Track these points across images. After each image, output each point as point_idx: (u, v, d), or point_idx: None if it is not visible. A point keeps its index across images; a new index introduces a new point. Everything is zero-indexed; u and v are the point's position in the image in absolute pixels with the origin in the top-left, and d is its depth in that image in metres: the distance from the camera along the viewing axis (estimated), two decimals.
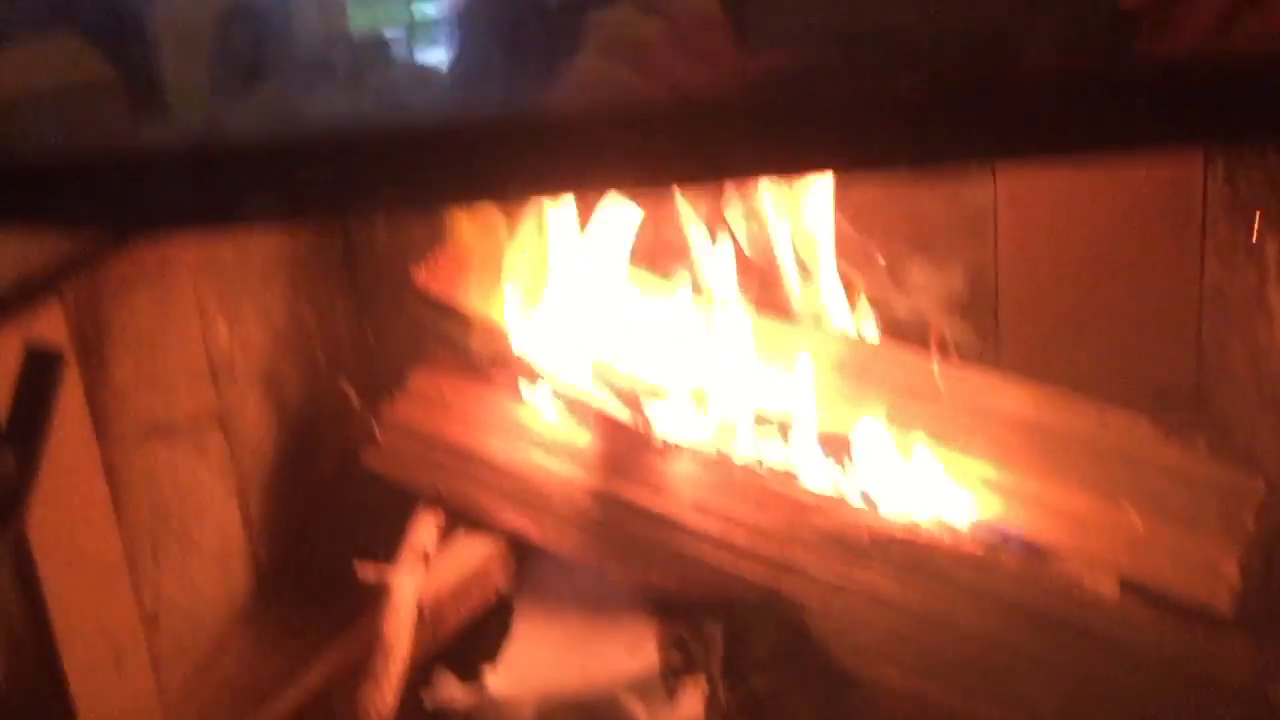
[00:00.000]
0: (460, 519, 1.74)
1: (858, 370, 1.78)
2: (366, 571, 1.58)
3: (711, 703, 1.53)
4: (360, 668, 1.51)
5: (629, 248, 1.87)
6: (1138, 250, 2.20)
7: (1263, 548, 1.59)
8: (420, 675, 1.60)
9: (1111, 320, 2.21)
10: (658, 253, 1.93)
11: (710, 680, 1.55)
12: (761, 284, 1.93)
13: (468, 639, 1.68)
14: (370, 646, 1.51)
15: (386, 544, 1.69)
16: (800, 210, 1.95)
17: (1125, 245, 2.20)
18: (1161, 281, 2.20)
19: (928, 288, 2.09)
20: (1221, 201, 2.12)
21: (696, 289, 1.87)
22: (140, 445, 1.60)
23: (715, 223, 1.93)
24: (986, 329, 2.18)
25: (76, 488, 1.46)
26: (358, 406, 1.80)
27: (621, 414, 1.70)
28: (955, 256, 2.17)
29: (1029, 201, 2.20)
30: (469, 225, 1.96)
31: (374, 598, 1.62)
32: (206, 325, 1.78)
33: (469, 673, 1.61)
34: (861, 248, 2.06)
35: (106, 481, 1.51)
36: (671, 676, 1.56)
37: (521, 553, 1.74)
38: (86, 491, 1.47)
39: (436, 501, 1.75)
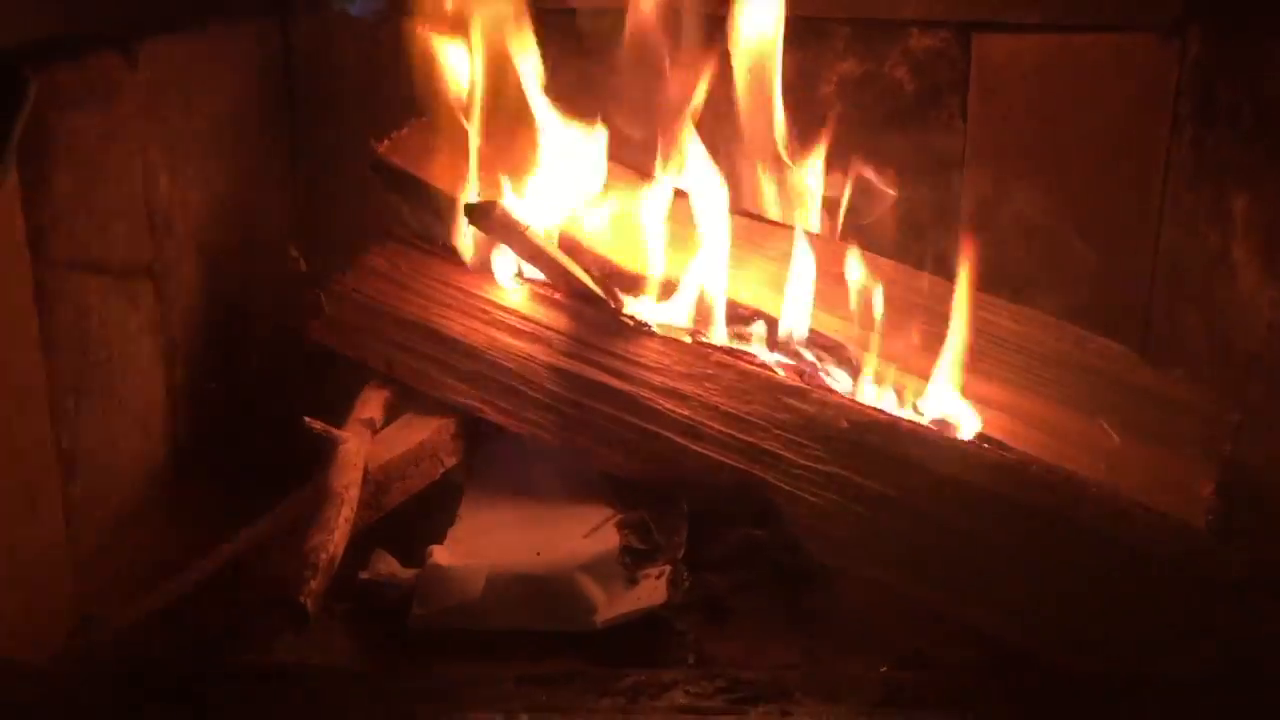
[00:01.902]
0: (411, 395, 1.64)
1: (838, 274, 1.72)
2: (314, 425, 1.46)
3: (673, 590, 1.44)
4: (302, 523, 1.39)
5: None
6: (1095, 213, 2.19)
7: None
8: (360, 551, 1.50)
9: (1062, 282, 2.19)
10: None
11: (673, 567, 1.46)
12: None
13: (411, 521, 1.57)
14: (314, 502, 1.40)
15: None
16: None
17: (1083, 208, 2.19)
18: (1116, 247, 2.19)
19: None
20: (1185, 168, 2.12)
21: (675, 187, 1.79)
22: (73, 276, 1.47)
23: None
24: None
25: (5, 298, 1.33)
26: (305, 271, 1.67)
27: (592, 290, 1.62)
28: (921, 198, 2.15)
29: (994, 152, 2.18)
30: (435, 108, 1.86)
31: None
32: (148, 172, 1.66)
33: (411, 557, 1.51)
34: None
35: (35, 301, 1.38)
36: (631, 561, 1.47)
37: (476, 433, 1.64)
38: (14, 304, 1.35)
39: (386, 375, 1.64)
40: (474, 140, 1.76)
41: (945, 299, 1.65)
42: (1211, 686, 1.32)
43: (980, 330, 1.68)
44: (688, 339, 1.61)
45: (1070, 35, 2.11)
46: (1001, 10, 2.10)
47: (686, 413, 1.54)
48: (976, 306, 1.63)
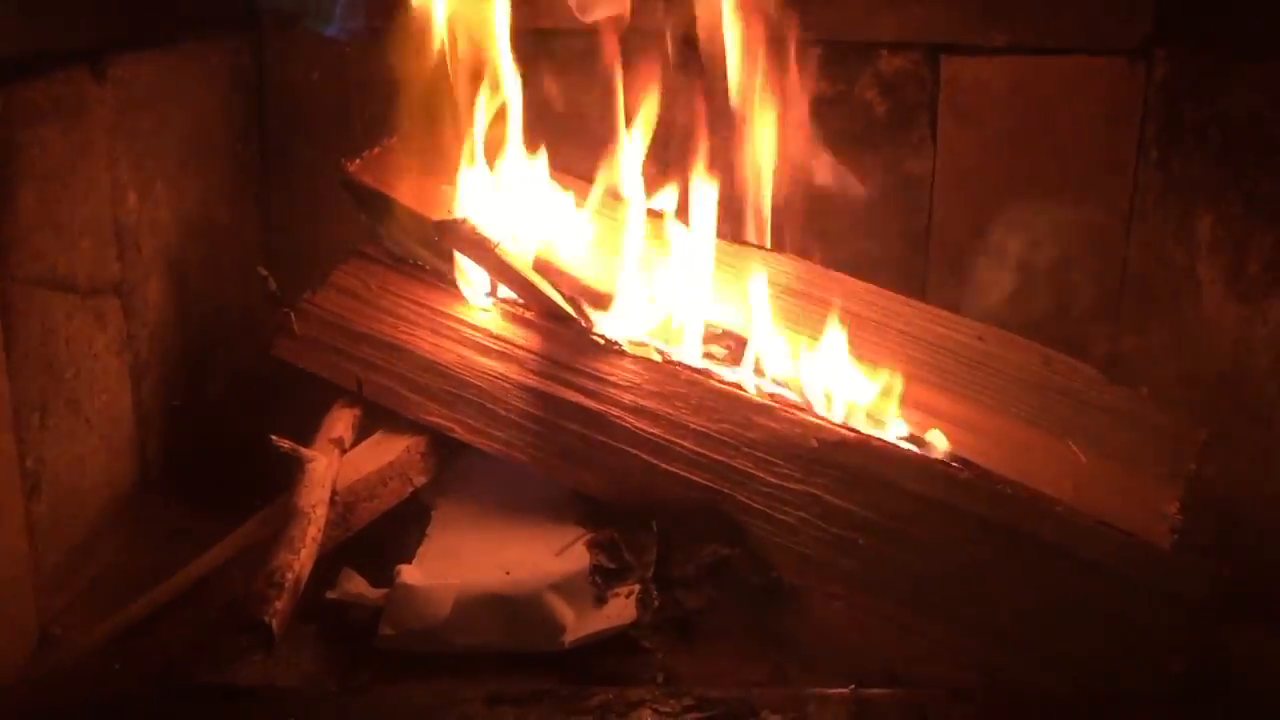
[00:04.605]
0: (381, 413, 1.63)
1: (810, 294, 1.73)
2: (282, 444, 1.45)
3: (642, 609, 1.43)
4: (269, 543, 1.38)
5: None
6: (1062, 233, 2.20)
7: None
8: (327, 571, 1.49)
9: (1029, 301, 2.19)
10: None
11: (643, 586, 1.46)
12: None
13: (380, 540, 1.56)
14: (281, 521, 1.39)
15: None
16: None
17: (1051, 227, 2.21)
18: (1084, 266, 2.20)
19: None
20: (1152, 188, 2.14)
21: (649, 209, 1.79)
22: (39, 294, 1.46)
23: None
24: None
25: None
26: (276, 290, 1.67)
27: (562, 308, 1.62)
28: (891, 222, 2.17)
29: (964, 172, 2.19)
30: (408, 128, 1.86)
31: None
32: (116, 189, 1.65)
33: (379, 576, 1.50)
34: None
35: (1, 317, 1.37)
36: (601, 580, 1.47)
37: (446, 451, 1.63)
38: None
39: (356, 394, 1.63)
40: (446, 158, 1.75)
41: (913, 318, 1.66)
42: (1177, 704, 1.33)
43: (947, 349, 1.69)
44: (658, 357, 1.61)
45: (1038, 57, 2.12)
46: (969, 33, 2.11)
47: (657, 431, 1.54)
48: (943, 325, 1.63)
